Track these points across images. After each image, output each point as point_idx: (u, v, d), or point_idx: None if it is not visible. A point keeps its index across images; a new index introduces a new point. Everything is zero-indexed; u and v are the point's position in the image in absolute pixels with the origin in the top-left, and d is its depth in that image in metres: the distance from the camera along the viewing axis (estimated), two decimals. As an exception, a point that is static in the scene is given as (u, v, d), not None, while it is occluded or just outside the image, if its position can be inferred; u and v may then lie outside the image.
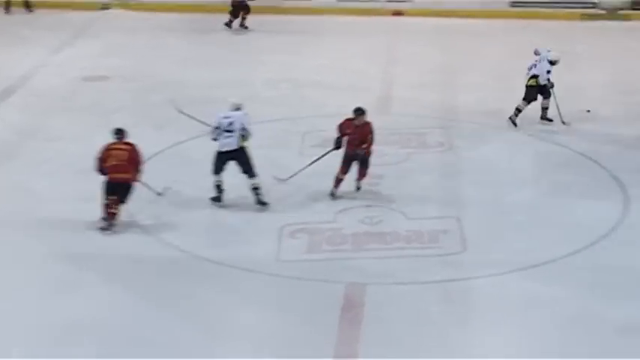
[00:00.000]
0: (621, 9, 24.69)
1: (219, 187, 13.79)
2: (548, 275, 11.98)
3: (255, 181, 13.73)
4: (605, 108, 17.69)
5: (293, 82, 19.18)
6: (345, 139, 13.88)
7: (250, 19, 23.14)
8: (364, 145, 13.77)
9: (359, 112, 13.83)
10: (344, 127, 13.89)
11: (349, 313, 11.19)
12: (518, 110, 16.82)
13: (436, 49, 21.63)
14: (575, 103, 17.50)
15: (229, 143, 13.60)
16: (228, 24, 23.03)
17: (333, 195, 13.97)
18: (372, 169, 14.19)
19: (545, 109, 16.95)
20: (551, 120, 16.88)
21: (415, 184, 14.49)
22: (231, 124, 13.54)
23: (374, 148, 13.92)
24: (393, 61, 20.85)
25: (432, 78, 19.58)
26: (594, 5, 24.79)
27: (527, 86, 16.87)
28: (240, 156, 13.65)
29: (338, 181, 13.95)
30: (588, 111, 17.57)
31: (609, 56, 21.08)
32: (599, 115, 17.33)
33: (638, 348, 10.50)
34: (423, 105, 17.91)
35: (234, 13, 23.05)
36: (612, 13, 24.57)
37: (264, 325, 10.93)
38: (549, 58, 16.82)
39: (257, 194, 13.75)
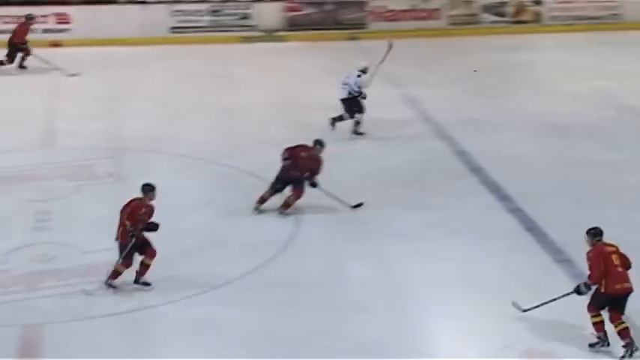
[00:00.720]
0: (278, 30, 25.42)
1: None
2: (228, 296, 12.03)
3: None
4: (270, 127, 18.02)
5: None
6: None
7: None
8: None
9: (148, 187, 12.16)
10: (137, 209, 11.99)
11: (28, 357, 10.76)
12: (357, 122, 17.00)
13: (98, 79, 21.42)
14: (242, 125, 17.75)
15: None
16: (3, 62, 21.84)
17: (110, 285, 12.10)
18: (39, 206, 13.78)
19: (357, 122, 17.18)
20: (362, 133, 17.05)
21: (87, 217, 14.11)
22: None
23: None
24: (54, 93, 20.35)
25: (97, 108, 19.31)
26: (252, 28, 25.37)
27: (343, 100, 17.07)
28: None
29: (116, 274, 12.06)
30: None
31: (269, 77, 21.62)
32: (265, 136, 17.49)
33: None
34: (89, 136, 17.58)
35: (11, 55, 21.82)
36: (270, 35, 25.26)
37: None
38: (359, 68, 17.06)
39: None
